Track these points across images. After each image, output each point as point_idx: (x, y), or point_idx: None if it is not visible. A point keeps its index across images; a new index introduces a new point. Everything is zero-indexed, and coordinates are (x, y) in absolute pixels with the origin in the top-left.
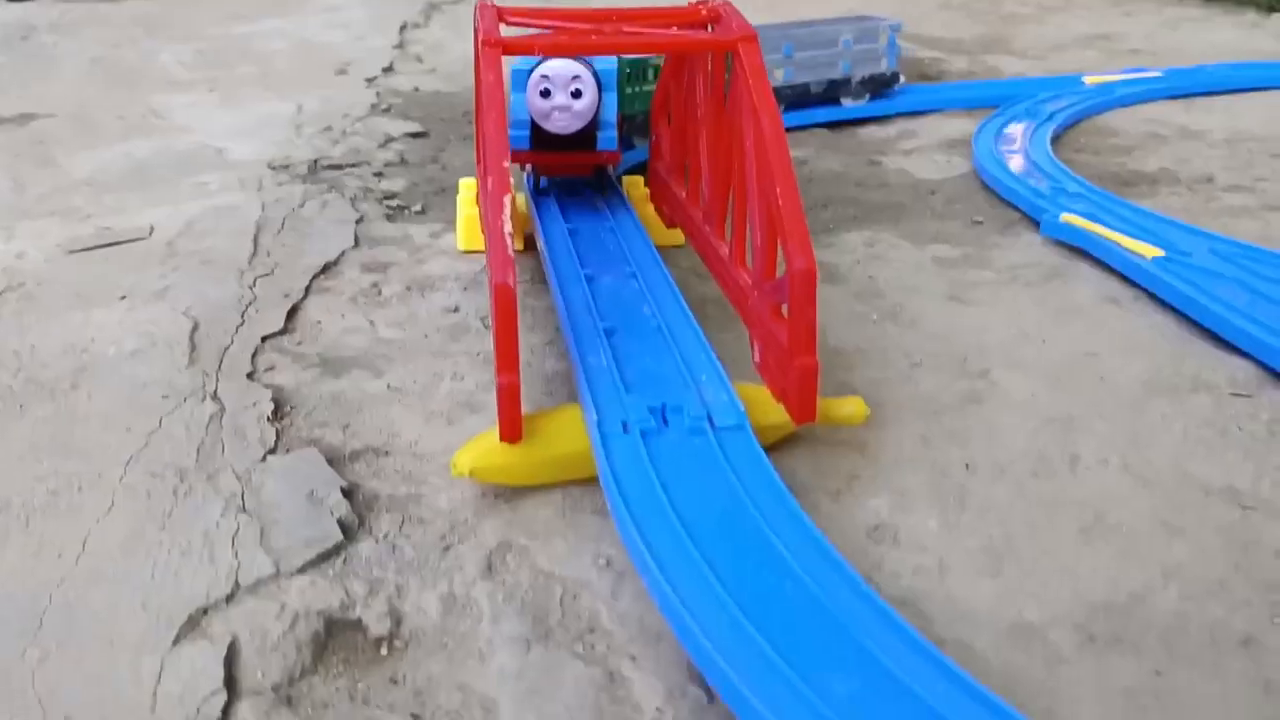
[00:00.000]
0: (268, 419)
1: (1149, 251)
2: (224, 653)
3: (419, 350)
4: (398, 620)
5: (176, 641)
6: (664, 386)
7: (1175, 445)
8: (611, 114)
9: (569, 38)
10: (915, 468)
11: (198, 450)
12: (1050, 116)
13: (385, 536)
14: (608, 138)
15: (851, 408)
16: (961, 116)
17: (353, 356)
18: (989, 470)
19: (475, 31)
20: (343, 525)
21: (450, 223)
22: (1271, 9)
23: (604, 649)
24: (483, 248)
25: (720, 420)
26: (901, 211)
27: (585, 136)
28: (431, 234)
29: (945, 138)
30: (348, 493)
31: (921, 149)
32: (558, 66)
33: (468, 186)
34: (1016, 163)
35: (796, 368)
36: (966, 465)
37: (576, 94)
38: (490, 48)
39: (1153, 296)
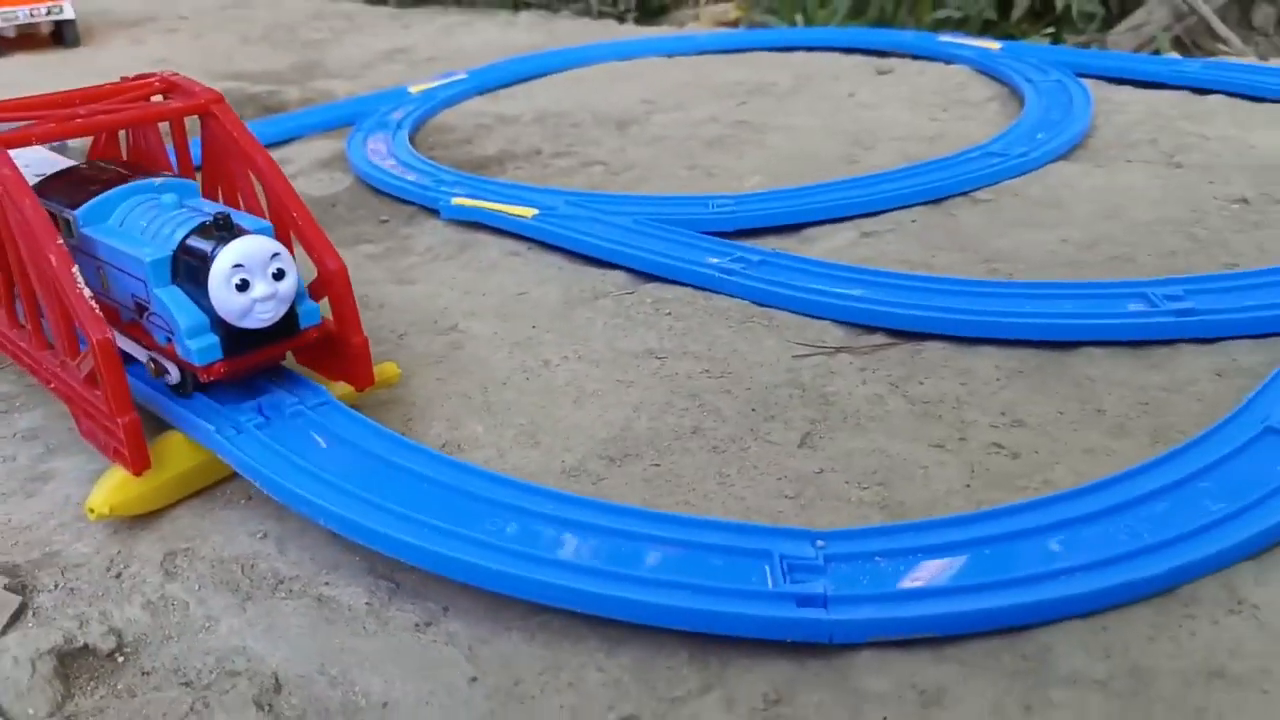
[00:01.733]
0: None
1: (527, 213)
2: None
3: None
4: (118, 634)
5: None
6: (250, 393)
7: (604, 334)
8: (299, 280)
9: (57, 124)
10: (447, 400)
11: None
12: (400, 124)
13: (58, 586)
14: (309, 311)
15: (391, 370)
16: (323, 138)
17: None
18: (496, 387)
19: None
20: (10, 590)
21: None
22: (517, 7)
23: (301, 588)
24: None
25: (310, 402)
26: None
27: (288, 319)
28: None
29: (318, 159)
30: None
31: (303, 172)
32: (251, 250)
33: None
34: (391, 166)
35: (355, 345)
36: (481, 388)
37: (279, 275)
38: None
39: (543, 244)
